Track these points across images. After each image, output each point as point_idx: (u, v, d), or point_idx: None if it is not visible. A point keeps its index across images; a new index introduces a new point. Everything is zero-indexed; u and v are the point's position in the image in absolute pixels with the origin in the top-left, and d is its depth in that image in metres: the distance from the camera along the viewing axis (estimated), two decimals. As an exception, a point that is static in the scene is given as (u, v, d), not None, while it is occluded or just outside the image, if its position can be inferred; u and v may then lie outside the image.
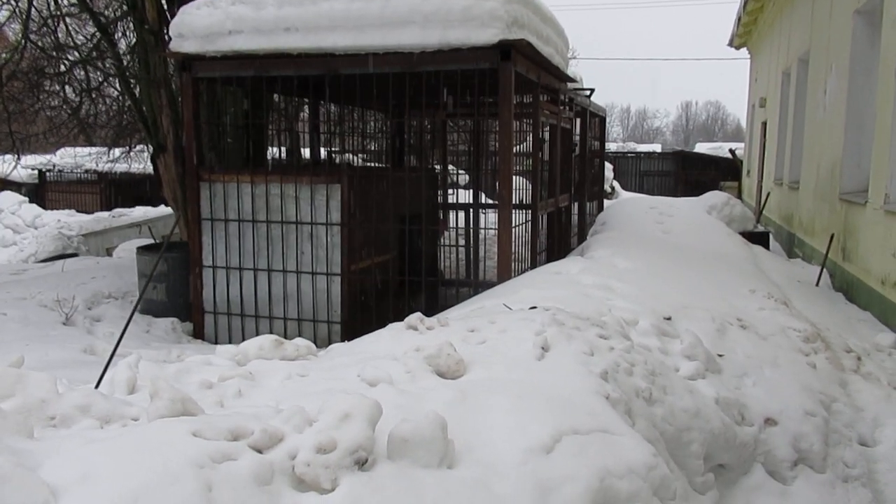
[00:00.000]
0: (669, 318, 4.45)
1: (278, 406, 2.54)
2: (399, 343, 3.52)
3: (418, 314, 3.77)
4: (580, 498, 2.19)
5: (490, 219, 10.43)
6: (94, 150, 19.13)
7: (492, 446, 2.34)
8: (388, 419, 2.22)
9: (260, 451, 1.98)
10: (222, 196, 7.02)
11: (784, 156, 13.36)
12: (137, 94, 10.48)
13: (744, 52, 21.36)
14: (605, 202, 15.80)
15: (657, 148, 40.85)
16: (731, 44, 21.24)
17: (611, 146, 32.49)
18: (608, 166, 23.39)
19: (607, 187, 21.62)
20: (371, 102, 10.23)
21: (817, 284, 8.26)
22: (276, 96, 12.74)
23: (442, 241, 10.10)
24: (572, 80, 9.06)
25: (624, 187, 27.05)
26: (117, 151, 16.02)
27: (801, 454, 3.68)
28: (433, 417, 2.20)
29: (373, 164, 12.64)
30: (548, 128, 8.67)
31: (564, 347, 3.33)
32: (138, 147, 15.29)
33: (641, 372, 3.40)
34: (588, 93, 10.81)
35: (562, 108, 9.15)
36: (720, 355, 4.16)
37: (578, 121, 11.19)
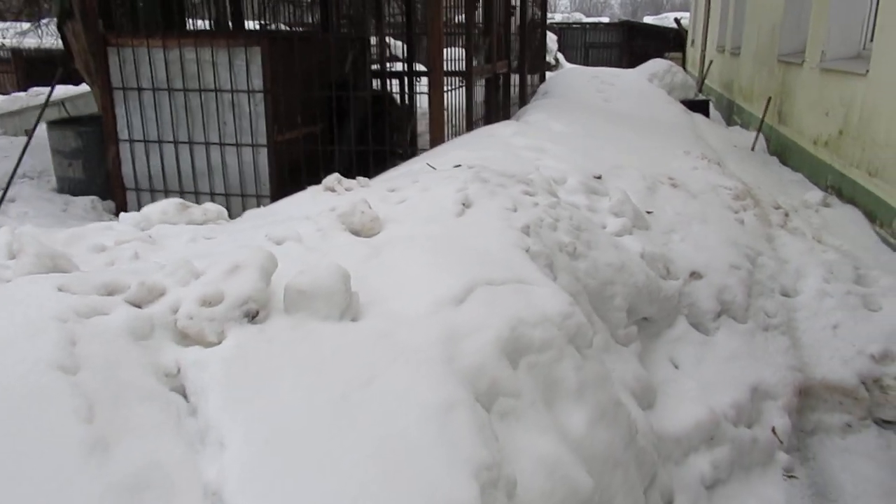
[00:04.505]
0: (600, 177, 4.35)
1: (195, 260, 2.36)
2: (316, 204, 3.34)
3: (336, 175, 3.57)
4: (490, 345, 2.11)
5: (425, 88, 10.05)
6: (1, 25, 17.62)
7: (401, 299, 2.23)
8: (291, 275, 2.07)
9: (139, 307, 1.81)
10: (133, 62, 6.51)
11: (727, 21, 13.12)
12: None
13: (692, -87, 20.53)
14: (549, 74, 15.44)
15: (606, 20, 39.82)
16: None
17: (556, 17, 31.60)
18: (552, 37, 22.78)
19: (551, 59, 21.11)
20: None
21: (753, 149, 8.29)
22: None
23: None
24: (510, -64, 8.52)
25: (569, 60, 26.45)
26: (26, 25, 14.78)
27: (724, 306, 3.71)
28: (334, 268, 2.05)
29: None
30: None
31: (486, 203, 3.20)
32: (50, 19, 14.10)
33: (566, 227, 3.31)
34: (528, -48, 10.25)
35: (499, -33, 8.66)
36: (649, 212, 4.11)
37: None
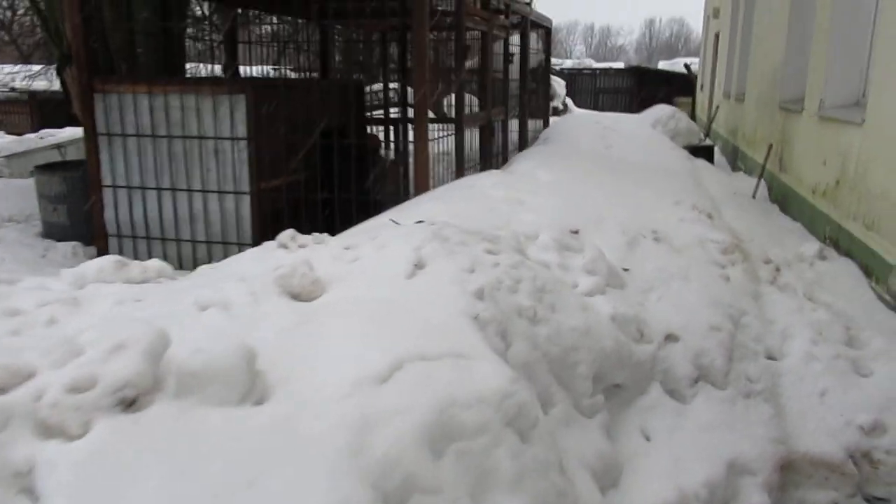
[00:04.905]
0: (577, 232, 4.16)
1: (81, 335, 2.19)
2: (263, 262, 3.18)
3: (290, 231, 3.41)
4: (411, 433, 1.90)
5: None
6: (16, 67, 17.96)
7: (319, 377, 2.04)
8: (186, 353, 1.89)
9: (2, 392, 1.64)
10: (118, 109, 6.45)
11: (733, 67, 13.03)
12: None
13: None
14: (553, 119, 15.38)
15: (620, 66, 39.95)
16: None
17: (566, 63, 31.76)
18: (561, 83, 22.80)
19: (559, 104, 21.11)
20: (299, 10, 9.53)
21: (754, 196, 8.08)
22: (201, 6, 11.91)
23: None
24: (504, -17, 8.48)
25: (579, 105, 26.46)
26: (37, 67, 15.02)
27: (701, 371, 3.47)
28: (235, 346, 1.87)
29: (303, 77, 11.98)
30: (477, 35, 8.16)
31: (442, 264, 3.01)
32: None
33: (528, 289, 3.11)
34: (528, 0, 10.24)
35: (495, 14, 8.62)
36: (626, 269, 3.90)
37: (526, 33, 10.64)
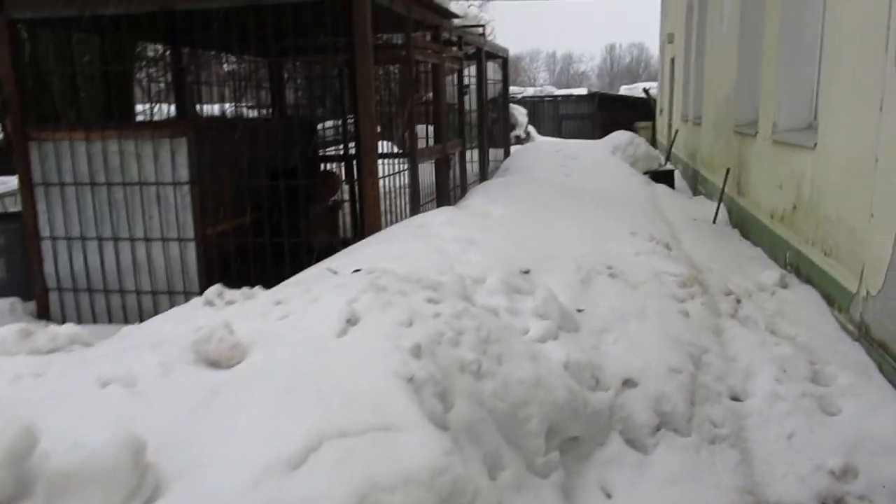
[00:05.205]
0: (528, 272, 3.98)
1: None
2: (186, 323, 2.94)
3: (218, 286, 3.18)
4: (325, 528, 1.68)
5: (386, 171, 9.80)
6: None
7: (222, 466, 1.80)
8: (75, 443, 1.65)
9: None
10: (54, 157, 6.19)
11: (689, 91, 13.11)
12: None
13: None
14: (515, 148, 15.36)
15: (582, 92, 40.22)
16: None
17: (528, 91, 31.98)
18: (522, 111, 22.89)
19: (521, 132, 21.15)
20: (242, 49, 9.36)
21: (714, 222, 8.01)
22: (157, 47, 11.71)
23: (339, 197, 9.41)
24: (455, 16, 8.40)
25: (542, 132, 26.60)
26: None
27: (663, 417, 3.28)
28: (120, 438, 1.64)
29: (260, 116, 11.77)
30: (429, 68, 8.04)
31: (377, 318, 2.80)
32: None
33: (472, 340, 2.91)
34: (480, 30, 10.19)
35: (448, 46, 8.53)
36: (580, 310, 3.72)
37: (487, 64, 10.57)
